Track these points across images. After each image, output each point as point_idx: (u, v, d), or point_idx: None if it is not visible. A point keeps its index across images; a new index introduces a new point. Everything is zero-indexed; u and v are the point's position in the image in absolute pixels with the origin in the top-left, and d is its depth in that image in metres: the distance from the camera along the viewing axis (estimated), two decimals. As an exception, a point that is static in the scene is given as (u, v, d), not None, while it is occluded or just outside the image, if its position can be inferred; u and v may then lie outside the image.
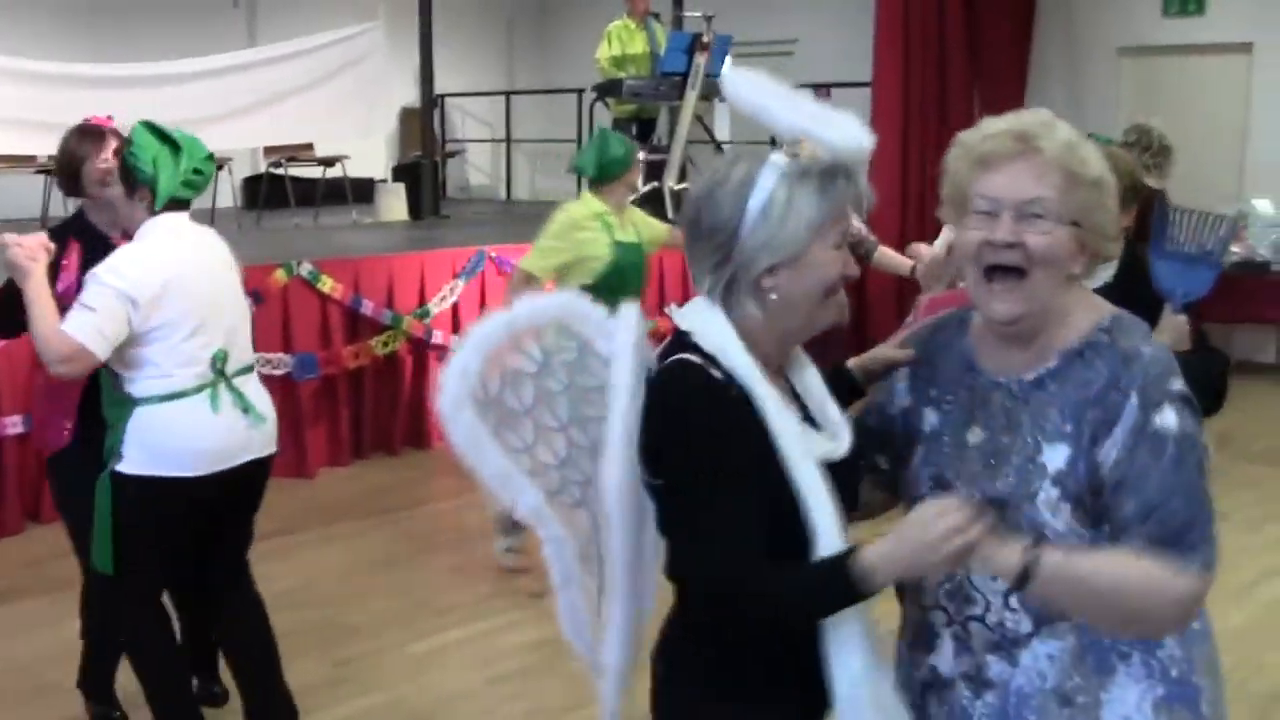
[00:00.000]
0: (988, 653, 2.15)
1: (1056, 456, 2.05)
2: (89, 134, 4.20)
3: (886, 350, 2.39)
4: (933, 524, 1.94)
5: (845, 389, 2.36)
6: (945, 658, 2.21)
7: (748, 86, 2.16)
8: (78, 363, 3.72)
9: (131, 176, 3.85)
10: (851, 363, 2.43)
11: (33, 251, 3.78)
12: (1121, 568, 1.96)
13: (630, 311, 2.18)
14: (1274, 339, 10.86)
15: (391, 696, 4.73)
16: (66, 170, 4.21)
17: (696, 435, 2.07)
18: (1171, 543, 1.95)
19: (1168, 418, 1.98)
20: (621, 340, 2.15)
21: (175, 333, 3.82)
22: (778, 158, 2.10)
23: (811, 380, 2.23)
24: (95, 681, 4.53)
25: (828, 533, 2.05)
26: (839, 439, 2.16)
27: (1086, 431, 2.03)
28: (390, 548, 6.38)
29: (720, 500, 2.03)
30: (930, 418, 2.25)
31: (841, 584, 1.97)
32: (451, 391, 2.17)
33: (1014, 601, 2.11)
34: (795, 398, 2.20)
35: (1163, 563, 1.94)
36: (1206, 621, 2.24)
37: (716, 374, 2.07)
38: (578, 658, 2.44)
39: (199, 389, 3.88)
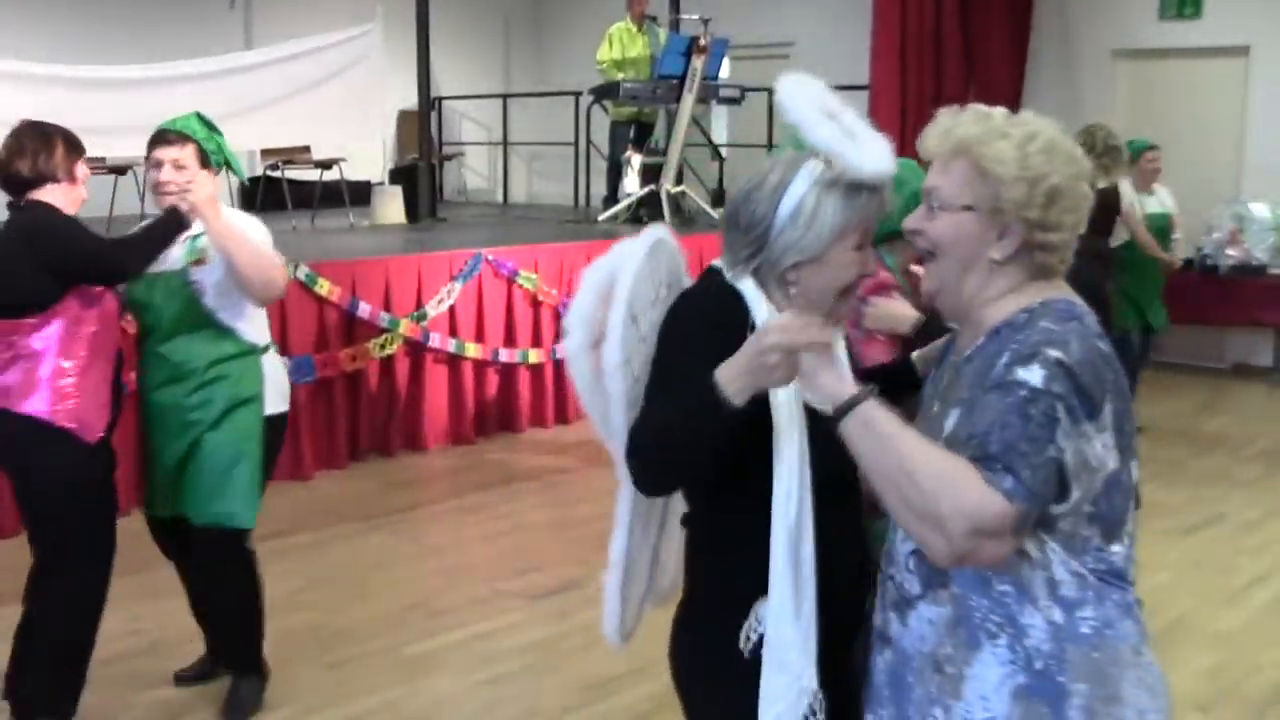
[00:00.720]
0: (891, 610, 2.24)
1: (950, 421, 2.11)
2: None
3: (941, 341, 2.52)
4: (765, 332, 2.10)
5: (907, 382, 2.56)
6: (876, 613, 2.32)
7: (795, 96, 2.31)
8: (281, 282, 4.35)
9: (209, 160, 4.27)
10: (914, 355, 2.62)
11: (195, 185, 4.18)
12: (930, 451, 2.00)
13: (658, 227, 2.53)
14: (1270, 342, 10.86)
15: (387, 699, 4.73)
16: None
17: (686, 323, 2.36)
18: (983, 462, 1.96)
19: (1032, 372, 1.99)
20: (637, 243, 2.47)
21: None
22: (812, 165, 2.32)
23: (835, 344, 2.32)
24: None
25: (790, 459, 2.25)
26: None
27: (972, 395, 2.09)
28: (386, 550, 6.38)
29: (677, 385, 2.25)
30: (924, 393, 2.39)
31: (707, 398, 2.13)
32: (575, 337, 2.49)
33: (911, 563, 2.18)
34: None
35: (970, 468, 1.96)
36: (1112, 632, 2.10)
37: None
38: (607, 624, 2.86)
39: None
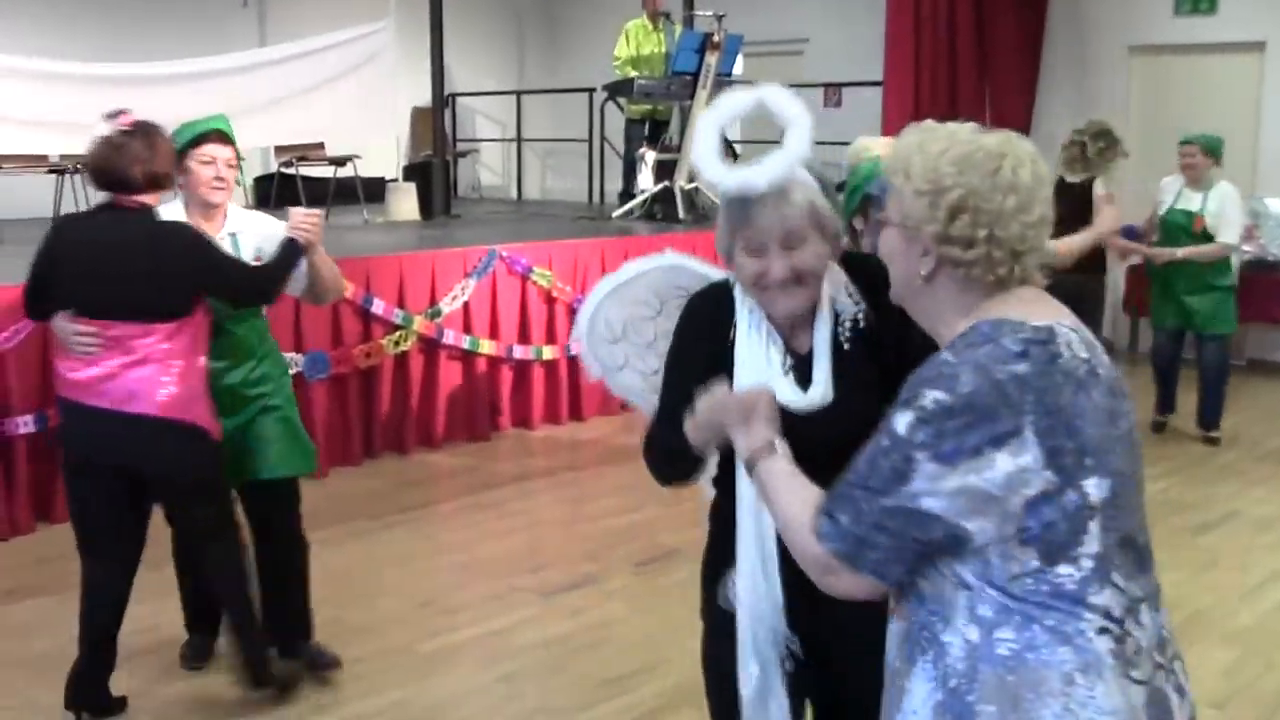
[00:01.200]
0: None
1: None
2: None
3: None
4: (711, 401, 2.40)
5: None
6: None
7: (701, 130, 2.57)
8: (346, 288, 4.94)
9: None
10: None
11: (318, 226, 4.57)
12: (793, 497, 2.18)
13: (669, 252, 2.98)
14: (1286, 338, 10.83)
15: (400, 696, 4.74)
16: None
17: (678, 326, 2.76)
18: (825, 503, 2.11)
19: (902, 419, 2.02)
20: (640, 262, 2.96)
21: None
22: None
23: (821, 349, 2.58)
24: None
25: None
26: (804, 397, 2.54)
27: None
28: (400, 547, 6.39)
29: (669, 379, 2.74)
30: None
31: (677, 431, 2.52)
32: (583, 333, 3.03)
33: None
34: (801, 356, 2.59)
35: (808, 513, 2.12)
36: (1034, 656, 2.02)
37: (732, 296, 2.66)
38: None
39: None
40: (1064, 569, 2.01)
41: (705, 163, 2.52)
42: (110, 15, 12.58)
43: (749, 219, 2.51)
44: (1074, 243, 7.29)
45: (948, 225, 2.08)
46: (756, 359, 2.55)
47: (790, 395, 2.52)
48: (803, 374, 2.53)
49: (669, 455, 2.67)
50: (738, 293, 2.61)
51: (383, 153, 12.55)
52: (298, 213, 4.57)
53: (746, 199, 2.50)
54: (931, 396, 1.99)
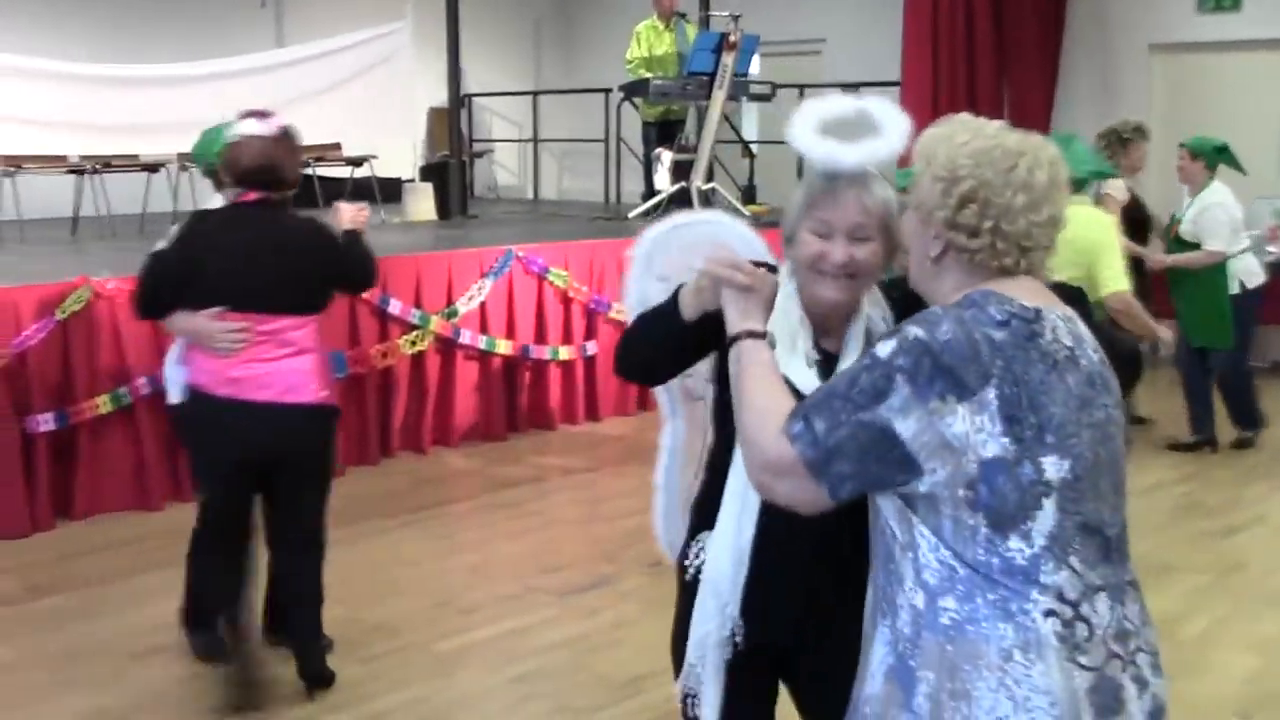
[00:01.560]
0: None
1: None
2: None
3: None
4: (723, 254, 2.48)
5: None
6: None
7: (796, 122, 2.57)
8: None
9: None
10: None
11: (366, 218, 4.77)
12: (768, 390, 2.24)
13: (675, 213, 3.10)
14: (1311, 340, 10.73)
15: (416, 694, 4.73)
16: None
17: None
18: (797, 409, 2.16)
19: (886, 345, 2.13)
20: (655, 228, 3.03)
21: None
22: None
23: (850, 351, 2.55)
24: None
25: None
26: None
27: None
28: (417, 546, 6.38)
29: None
30: None
31: (667, 306, 2.62)
32: (638, 264, 3.02)
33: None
34: (827, 354, 2.58)
35: (782, 412, 2.17)
36: (974, 629, 2.08)
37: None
38: (660, 552, 3.14)
39: None
40: (1015, 542, 2.08)
41: (799, 134, 2.54)
42: (129, 17, 12.59)
43: (828, 197, 2.52)
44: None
45: (956, 212, 2.19)
46: (784, 345, 2.53)
47: (810, 386, 2.50)
48: (826, 372, 2.53)
49: (649, 331, 2.71)
50: (782, 277, 2.60)
51: (399, 153, 12.53)
52: (349, 207, 4.76)
53: (832, 178, 2.52)
54: (913, 332, 2.11)
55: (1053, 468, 2.09)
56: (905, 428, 2.07)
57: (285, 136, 4.47)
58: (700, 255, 2.58)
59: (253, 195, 4.39)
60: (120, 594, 5.62)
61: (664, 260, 3.01)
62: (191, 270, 4.32)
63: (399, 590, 5.76)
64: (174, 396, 4.84)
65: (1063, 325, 2.18)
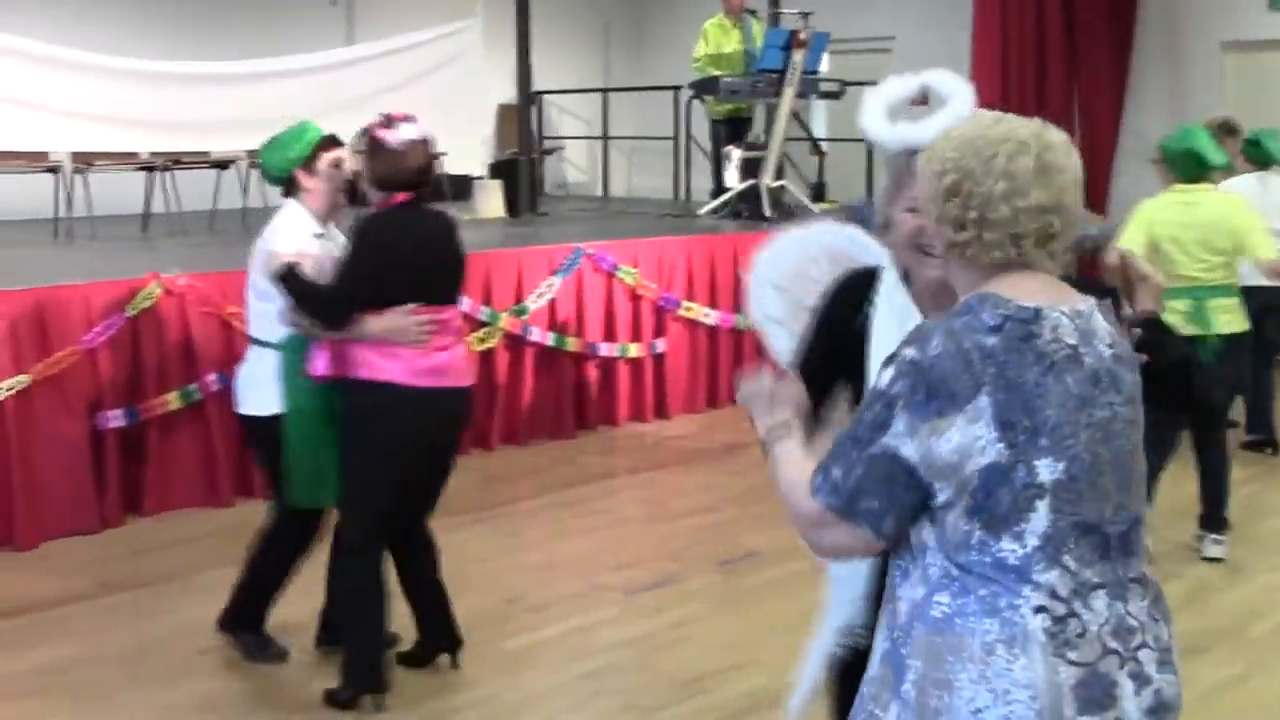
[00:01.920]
0: None
1: None
2: None
3: None
4: (744, 386, 2.52)
5: None
6: None
7: (868, 105, 2.74)
8: None
9: None
10: None
11: None
12: (791, 470, 2.31)
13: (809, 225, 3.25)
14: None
15: (485, 693, 4.75)
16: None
17: (821, 298, 2.88)
18: (819, 464, 2.24)
19: (885, 374, 2.18)
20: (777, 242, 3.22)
21: None
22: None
23: None
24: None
25: None
26: None
27: None
28: (484, 544, 6.39)
29: (801, 343, 2.90)
30: None
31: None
32: (761, 271, 3.18)
33: None
34: None
35: (808, 476, 2.24)
36: (962, 622, 2.12)
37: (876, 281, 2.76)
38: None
39: None
40: (1007, 543, 2.12)
41: (870, 122, 2.64)
42: (200, 14, 12.72)
43: (913, 175, 2.50)
44: None
45: (943, 206, 2.19)
46: (891, 339, 2.49)
47: None
48: None
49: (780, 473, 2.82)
50: (885, 272, 2.68)
51: (469, 150, 12.58)
52: None
53: (913, 155, 2.51)
54: (907, 353, 2.15)
55: (1047, 470, 2.10)
56: (911, 451, 2.13)
57: (430, 141, 4.73)
58: (817, 267, 2.77)
59: (405, 195, 4.55)
60: (189, 590, 5.67)
61: (780, 273, 3.13)
62: (382, 271, 4.43)
63: (467, 588, 5.76)
64: (251, 408, 4.82)
65: (1067, 322, 2.15)
